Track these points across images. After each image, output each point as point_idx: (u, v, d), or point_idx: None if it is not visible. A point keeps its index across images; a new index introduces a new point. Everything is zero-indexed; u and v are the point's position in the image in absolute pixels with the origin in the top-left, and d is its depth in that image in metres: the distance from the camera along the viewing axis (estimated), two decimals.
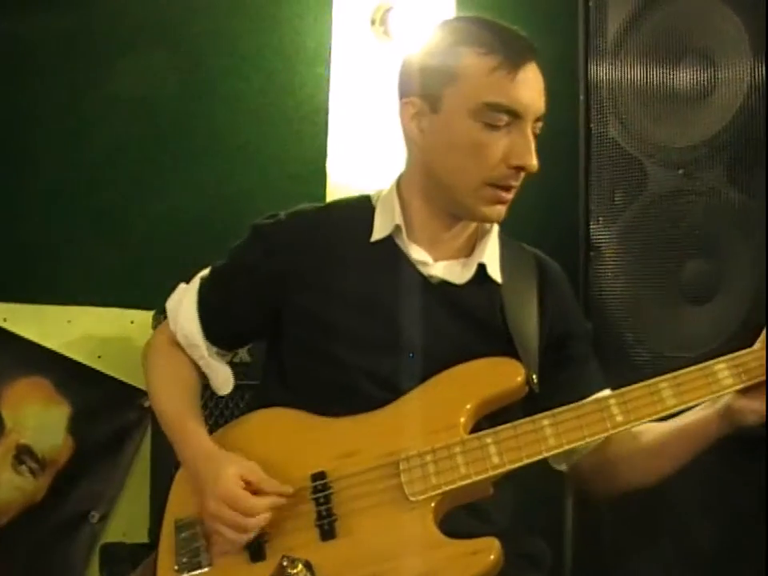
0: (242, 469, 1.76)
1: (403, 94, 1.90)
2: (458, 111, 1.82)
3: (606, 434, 1.75)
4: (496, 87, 1.79)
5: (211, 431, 1.94)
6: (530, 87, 1.82)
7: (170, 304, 2.05)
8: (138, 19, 2.90)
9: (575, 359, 1.99)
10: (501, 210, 1.88)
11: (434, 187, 1.90)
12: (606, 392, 1.94)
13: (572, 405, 1.77)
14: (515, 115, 1.81)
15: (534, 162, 1.83)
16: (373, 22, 3.08)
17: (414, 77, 1.89)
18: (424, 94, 1.86)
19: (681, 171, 2.64)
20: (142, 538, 2.59)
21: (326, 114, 3.10)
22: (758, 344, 1.77)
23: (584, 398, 1.87)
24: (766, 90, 2.46)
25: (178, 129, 2.96)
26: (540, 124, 1.86)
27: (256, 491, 1.74)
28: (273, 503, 1.74)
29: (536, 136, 1.86)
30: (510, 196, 1.87)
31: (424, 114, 1.86)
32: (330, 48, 3.11)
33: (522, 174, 1.85)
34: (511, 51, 1.81)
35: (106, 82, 2.85)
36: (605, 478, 1.94)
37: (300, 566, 1.65)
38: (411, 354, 1.86)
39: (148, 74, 2.88)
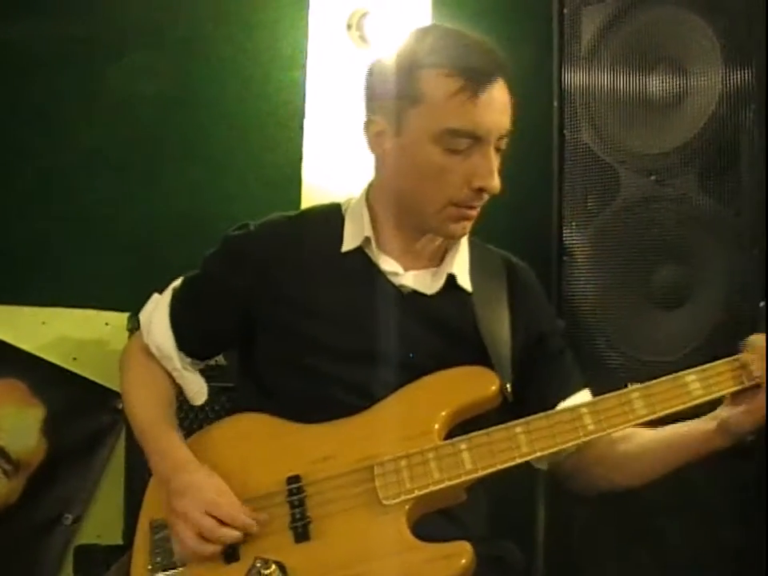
0: (220, 482, 1.77)
1: (368, 111, 1.90)
2: (420, 136, 1.81)
3: (577, 442, 1.77)
4: (457, 112, 1.77)
5: (187, 434, 1.94)
6: (493, 109, 1.79)
7: (143, 315, 2.04)
8: (118, 25, 2.90)
9: (552, 356, 2.01)
10: (466, 225, 1.89)
11: (399, 203, 1.90)
12: (584, 393, 1.97)
13: (546, 413, 1.78)
14: (477, 138, 1.79)
15: (495, 184, 1.82)
16: (349, 27, 3.08)
17: (376, 96, 1.88)
18: (386, 115, 1.85)
19: (653, 178, 2.66)
20: (117, 539, 2.59)
21: (302, 119, 3.10)
22: (744, 355, 1.77)
23: (564, 393, 1.93)
24: (738, 98, 2.49)
25: (155, 134, 2.95)
26: (505, 140, 1.84)
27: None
28: (246, 523, 1.74)
29: (501, 151, 1.84)
30: (474, 213, 1.87)
31: (387, 135, 1.85)
32: (306, 53, 3.11)
33: (486, 195, 1.84)
34: (474, 72, 1.77)
35: (85, 86, 2.85)
36: (586, 477, 1.95)
37: (273, 568, 1.66)
38: (412, 355, 1.87)
39: (127, 80, 2.88)
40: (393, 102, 1.84)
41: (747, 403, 1.74)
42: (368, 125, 1.89)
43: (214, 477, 1.79)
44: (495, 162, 1.82)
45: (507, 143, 1.85)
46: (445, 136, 1.79)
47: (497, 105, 1.80)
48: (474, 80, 1.77)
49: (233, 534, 1.73)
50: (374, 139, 1.89)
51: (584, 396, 1.96)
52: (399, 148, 1.85)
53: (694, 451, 1.82)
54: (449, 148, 1.79)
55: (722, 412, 1.77)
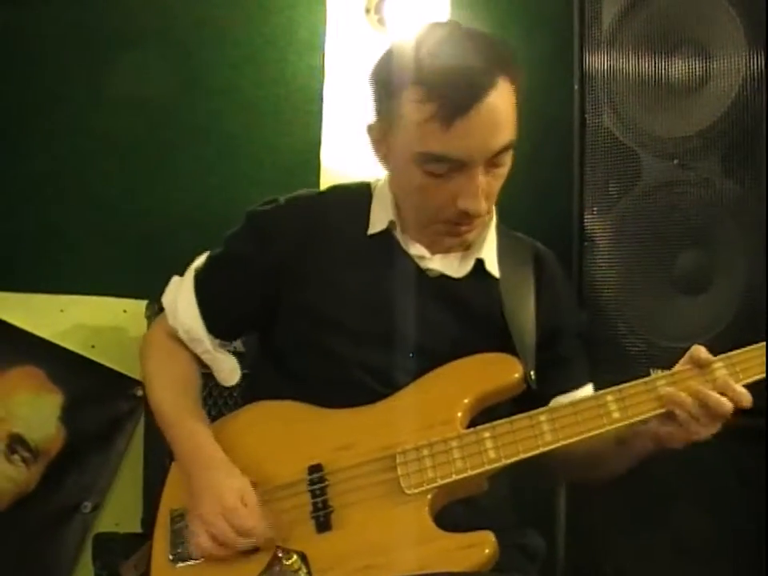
0: (241, 487, 1.75)
1: (371, 113, 1.86)
2: (403, 155, 1.78)
3: (602, 431, 1.74)
4: (428, 138, 1.71)
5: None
6: (472, 134, 1.71)
7: (167, 299, 2.02)
8: (129, 11, 2.88)
9: (563, 357, 1.99)
10: (460, 240, 1.88)
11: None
12: (586, 388, 1.96)
13: (571, 401, 1.77)
14: (457, 162, 1.73)
15: (480, 207, 1.76)
16: (367, 11, 3.06)
17: (375, 103, 1.85)
18: (381, 124, 1.83)
19: (675, 162, 2.63)
20: (135, 527, 2.59)
21: (320, 103, 3.09)
22: (679, 366, 1.76)
23: (563, 389, 1.92)
24: (762, 81, 2.47)
25: (171, 120, 2.94)
26: (504, 155, 1.77)
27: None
28: (263, 533, 1.72)
29: (499, 167, 1.78)
30: (468, 228, 1.84)
31: (384, 142, 1.84)
32: (324, 37, 3.09)
33: (474, 216, 1.80)
34: (448, 99, 1.69)
35: (98, 74, 2.84)
36: (559, 473, 1.98)
37: (295, 558, 1.66)
38: (411, 354, 1.85)
39: (140, 66, 2.86)
40: (380, 117, 1.83)
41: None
42: (370, 128, 1.87)
43: (235, 477, 1.77)
44: (482, 183, 1.76)
45: (512, 155, 1.79)
46: (419, 159, 1.75)
47: (479, 128, 1.71)
48: (447, 108, 1.69)
49: (248, 543, 1.71)
50: (375, 143, 1.87)
51: (586, 392, 1.95)
52: (392, 159, 1.84)
53: (637, 450, 1.80)
54: (428, 171, 1.76)
55: (654, 425, 1.74)
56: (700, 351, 1.74)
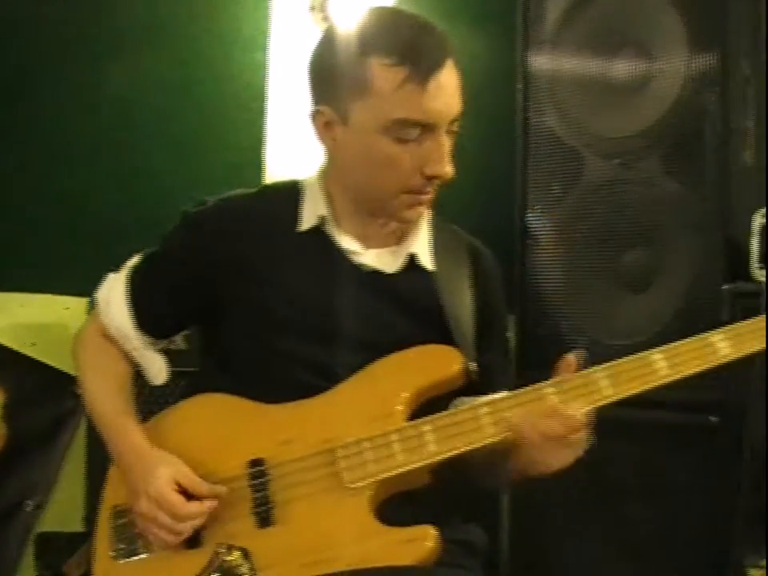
0: (176, 472, 1.75)
1: (314, 100, 1.86)
2: (368, 125, 1.77)
3: None
4: (406, 103, 1.73)
5: (147, 419, 1.92)
6: (442, 95, 1.75)
7: (101, 295, 2.01)
8: (80, 11, 2.87)
9: (488, 353, 1.97)
10: (420, 210, 1.88)
11: (354, 190, 1.88)
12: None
13: (512, 392, 1.77)
14: (427, 126, 1.76)
15: (448, 170, 1.79)
16: (312, 8, 3.06)
17: (321, 84, 1.84)
18: (333, 103, 1.81)
19: (617, 161, 2.67)
20: (78, 526, 2.57)
21: (264, 101, 3.09)
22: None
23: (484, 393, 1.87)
24: (702, 82, 2.50)
25: (120, 119, 2.94)
26: (457, 123, 1.81)
27: (189, 495, 1.73)
28: (206, 508, 1.73)
29: (453, 133, 1.81)
30: (428, 197, 1.85)
31: (336, 124, 1.82)
32: (269, 34, 3.09)
33: (438, 182, 1.82)
34: (420, 59, 1.73)
35: (53, 72, 2.83)
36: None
37: (236, 554, 1.65)
38: (352, 349, 1.84)
39: (91, 64, 2.85)
40: (339, 91, 1.80)
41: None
42: (315, 115, 1.85)
43: (167, 465, 1.76)
44: (448, 147, 1.79)
45: (460, 124, 1.82)
46: (394, 126, 1.76)
47: (446, 90, 1.76)
48: (421, 68, 1.73)
49: (187, 527, 1.72)
50: (323, 129, 1.85)
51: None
52: (349, 138, 1.82)
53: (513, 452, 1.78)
54: (399, 137, 1.76)
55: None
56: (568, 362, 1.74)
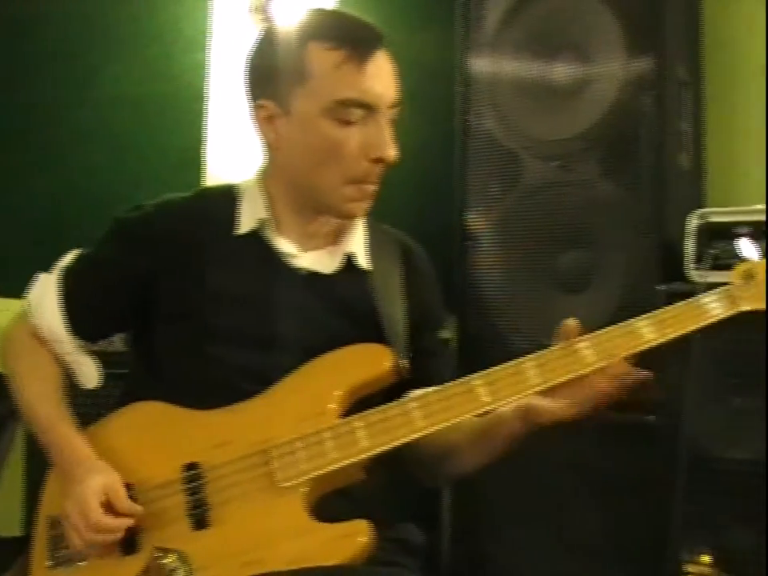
0: (107, 483, 1.73)
1: (254, 96, 1.87)
2: (310, 111, 1.80)
3: (473, 413, 1.75)
4: (345, 82, 1.78)
5: (84, 422, 1.91)
6: (380, 77, 1.80)
7: (32, 296, 1.98)
8: (18, 9, 2.84)
9: (424, 351, 1.98)
10: (365, 205, 1.88)
11: (296, 185, 1.89)
12: None
13: (438, 387, 1.77)
14: (368, 108, 1.79)
15: (392, 152, 1.82)
16: (252, 9, 3.07)
17: (261, 79, 1.86)
18: (274, 95, 1.83)
19: (556, 164, 2.69)
20: (16, 531, 2.55)
21: (205, 101, 3.08)
22: (563, 343, 1.76)
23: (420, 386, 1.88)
24: (639, 86, 2.53)
25: (57, 117, 2.91)
26: (396, 110, 1.85)
27: (111, 509, 1.72)
28: (119, 524, 1.71)
29: (394, 122, 1.84)
30: (373, 189, 1.86)
31: (278, 117, 1.83)
32: (210, 35, 3.08)
33: (382, 166, 1.84)
34: (357, 42, 1.79)
35: None
36: (425, 469, 1.95)
37: (172, 557, 1.65)
38: (289, 353, 1.84)
39: (24, 62, 2.82)
40: (278, 81, 1.82)
41: (573, 396, 1.73)
42: (257, 110, 1.87)
43: (99, 474, 1.75)
44: (390, 131, 1.82)
45: (397, 113, 1.85)
46: (336, 108, 1.78)
47: (384, 73, 1.82)
48: (358, 50, 1.78)
49: (107, 538, 1.70)
50: (265, 124, 1.86)
51: None
52: (291, 128, 1.83)
53: (501, 437, 1.81)
54: (341, 119, 1.79)
55: (533, 399, 1.75)
56: (568, 327, 1.76)
